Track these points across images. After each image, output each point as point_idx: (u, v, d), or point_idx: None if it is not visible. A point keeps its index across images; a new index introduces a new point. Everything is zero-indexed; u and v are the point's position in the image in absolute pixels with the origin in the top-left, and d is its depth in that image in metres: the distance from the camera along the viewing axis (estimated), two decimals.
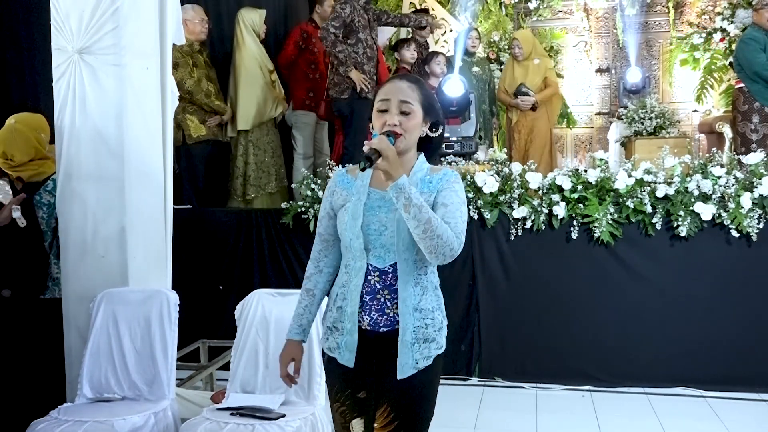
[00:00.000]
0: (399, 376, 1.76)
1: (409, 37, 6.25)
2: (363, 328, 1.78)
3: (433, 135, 1.86)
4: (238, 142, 5.20)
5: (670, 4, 7.21)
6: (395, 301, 1.76)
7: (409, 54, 5.61)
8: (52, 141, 3.22)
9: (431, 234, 1.63)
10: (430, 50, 5.80)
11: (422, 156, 1.87)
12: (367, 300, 1.77)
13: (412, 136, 1.79)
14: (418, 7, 6.56)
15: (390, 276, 1.76)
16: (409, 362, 1.76)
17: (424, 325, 1.78)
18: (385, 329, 1.77)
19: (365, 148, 1.63)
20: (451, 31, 6.82)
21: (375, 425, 1.81)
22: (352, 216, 1.77)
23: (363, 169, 1.60)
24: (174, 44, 3.38)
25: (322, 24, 5.63)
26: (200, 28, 4.89)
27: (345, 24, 4.87)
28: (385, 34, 5.83)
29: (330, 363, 1.86)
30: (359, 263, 1.77)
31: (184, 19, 4.74)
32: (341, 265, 1.87)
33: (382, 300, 1.76)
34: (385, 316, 1.76)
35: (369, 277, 1.77)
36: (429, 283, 1.81)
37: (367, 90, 4.77)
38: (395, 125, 1.75)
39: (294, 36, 5.57)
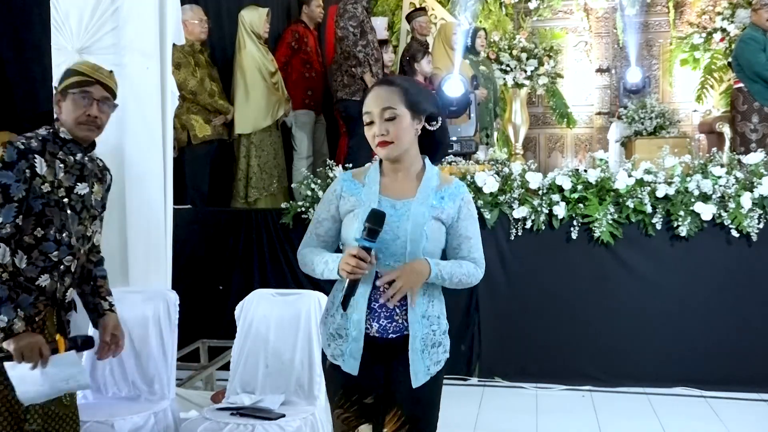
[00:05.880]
0: (414, 385, 1.76)
1: (409, 37, 6.26)
2: (371, 335, 1.76)
3: (433, 129, 1.82)
4: (241, 144, 5.19)
5: (670, 4, 7.22)
6: (404, 307, 1.75)
7: (387, 57, 5.59)
8: None
9: (462, 285, 1.81)
10: (416, 47, 5.75)
11: (428, 160, 1.85)
12: (375, 307, 1.76)
13: (404, 140, 1.76)
14: (418, 6, 6.56)
15: None
16: (422, 369, 1.77)
17: (431, 332, 1.79)
18: (394, 335, 1.76)
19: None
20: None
21: (385, 430, 1.81)
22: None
23: (345, 310, 1.71)
24: (175, 45, 3.38)
25: (313, 24, 5.65)
26: (200, 29, 4.88)
27: (360, 23, 4.90)
28: (379, 30, 5.81)
29: (332, 370, 1.83)
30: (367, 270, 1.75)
31: (183, 19, 4.72)
32: None
33: (391, 307, 1.75)
34: (394, 323, 1.76)
35: (377, 284, 1.75)
36: (435, 288, 1.82)
37: None
38: (383, 134, 1.73)
39: (286, 38, 5.58)
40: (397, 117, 1.74)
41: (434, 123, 1.82)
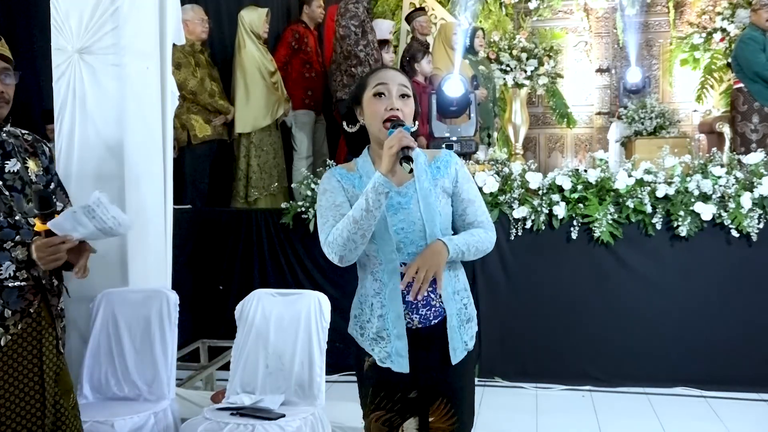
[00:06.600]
0: (453, 362, 1.78)
1: (409, 37, 6.26)
2: (413, 328, 1.76)
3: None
4: (241, 144, 5.19)
5: (670, 4, 7.21)
6: (437, 291, 1.76)
7: (389, 57, 5.60)
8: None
9: (480, 252, 1.79)
10: (417, 47, 5.75)
11: None
12: (410, 299, 1.74)
13: (408, 122, 1.76)
14: (418, 6, 6.56)
15: None
16: (459, 346, 1.79)
17: (463, 306, 1.82)
18: (436, 321, 1.78)
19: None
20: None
21: (431, 419, 1.80)
22: (380, 218, 1.69)
23: (411, 171, 1.61)
24: (175, 45, 3.38)
25: (313, 24, 5.65)
26: (200, 29, 4.89)
27: (361, 23, 4.91)
28: (383, 32, 5.82)
29: (371, 372, 1.80)
30: (391, 266, 1.74)
31: (184, 19, 4.73)
32: (365, 274, 1.80)
33: (426, 294, 1.75)
34: (433, 309, 1.77)
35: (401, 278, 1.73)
36: (457, 264, 1.83)
37: None
38: (398, 109, 1.73)
39: (286, 37, 5.57)
40: (409, 97, 1.78)
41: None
